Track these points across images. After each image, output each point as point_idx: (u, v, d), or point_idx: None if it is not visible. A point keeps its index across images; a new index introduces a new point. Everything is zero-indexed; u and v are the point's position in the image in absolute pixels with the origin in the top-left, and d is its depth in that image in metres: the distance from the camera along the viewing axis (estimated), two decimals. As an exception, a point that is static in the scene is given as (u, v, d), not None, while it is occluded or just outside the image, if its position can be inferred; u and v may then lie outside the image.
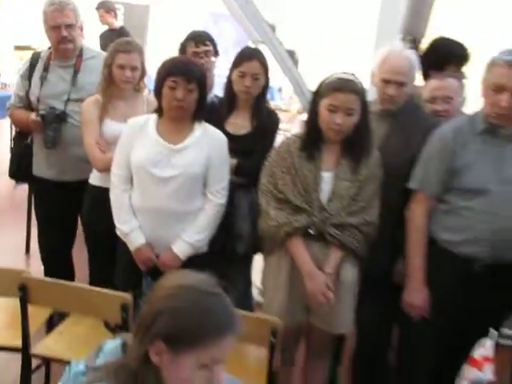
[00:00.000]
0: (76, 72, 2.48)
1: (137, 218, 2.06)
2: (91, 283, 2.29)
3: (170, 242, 2.05)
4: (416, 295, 1.97)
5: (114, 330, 2.00)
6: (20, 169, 2.59)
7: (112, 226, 2.09)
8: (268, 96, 2.50)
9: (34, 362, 2.04)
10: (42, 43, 3.06)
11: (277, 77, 3.61)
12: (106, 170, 2.18)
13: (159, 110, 2.06)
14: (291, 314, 1.96)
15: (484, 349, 1.53)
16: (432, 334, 1.96)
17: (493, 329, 1.57)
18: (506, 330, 1.74)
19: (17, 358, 1.99)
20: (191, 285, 1.07)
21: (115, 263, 2.18)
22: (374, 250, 1.97)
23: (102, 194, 2.17)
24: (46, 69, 2.49)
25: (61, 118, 2.42)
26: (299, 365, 2.25)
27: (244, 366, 1.96)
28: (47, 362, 2.11)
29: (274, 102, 5.50)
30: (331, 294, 1.88)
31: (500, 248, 1.87)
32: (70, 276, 2.68)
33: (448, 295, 1.94)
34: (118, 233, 2.09)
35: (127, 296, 1.83)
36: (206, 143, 2.05)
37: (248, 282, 2.45)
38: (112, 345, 1.14)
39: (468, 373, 1.50)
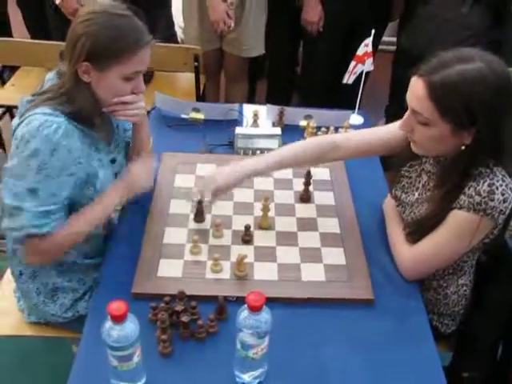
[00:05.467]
0: None
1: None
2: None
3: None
4: (312, 12, 3.01)
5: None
6: None
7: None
8: None
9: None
10: None
11: None
12: None
13: None
14: (205, 40, 3.01)
15: (365, 46, 2.16)
16: (325, 47, 3.09)
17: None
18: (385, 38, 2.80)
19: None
20: (103, 10, 1.45)
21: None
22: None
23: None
24: None
25: None
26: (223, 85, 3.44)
27: (178, 90, 3.07)
28: (9, 108, 3.21)
29: None
30: (231, 21, 2.89)
31: None
32: (10, 35, 3.63)
33: (338, 10, 2.98)
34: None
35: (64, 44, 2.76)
36: None
37: (169, 22, 3.40)
38: (51, 74, 1.57)
39: (353, 66, 2.39)
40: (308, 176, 1.81)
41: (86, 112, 1.47)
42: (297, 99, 3.69)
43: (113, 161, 1.64)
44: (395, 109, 2.95)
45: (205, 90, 3.17)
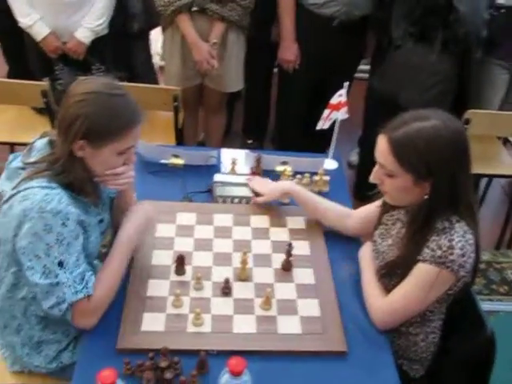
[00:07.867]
0: None
1: (37, 11, 2.96)
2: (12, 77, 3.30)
3: (73, 30, 3.01)
4: (288, 52, 3.14)
5: (40, 111, 3.09)
6: None
7: (15, 22, 2.99)
8: None
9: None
10: None
11: None
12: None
13: None
14: (186, 77, 3.13)
15: (340, 96, 2.29)
16: (301, 84, 3.23)
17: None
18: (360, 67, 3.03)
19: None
20: (99, 90, 1.51)
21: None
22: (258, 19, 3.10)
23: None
24: None
25: None
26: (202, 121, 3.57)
27: (157, 129, 3.14)
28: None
29: None
30: (214, 61, 3.00)
31: (351, 6, 2.98)
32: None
33: (313, 49, 3.12)
34: (21, 26, 3.01)
35: (45, 83, 2.84)
36: None
37: (148, 55, 3.51)
38: (41, 142, 1.63)
39: (328, 113, 2.51)
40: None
41: (79, 183, 1.57)
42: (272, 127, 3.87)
43: (101, 221, 1.74)
44: (368, 142, 3.10)
45: (184, 123, 3.27)
